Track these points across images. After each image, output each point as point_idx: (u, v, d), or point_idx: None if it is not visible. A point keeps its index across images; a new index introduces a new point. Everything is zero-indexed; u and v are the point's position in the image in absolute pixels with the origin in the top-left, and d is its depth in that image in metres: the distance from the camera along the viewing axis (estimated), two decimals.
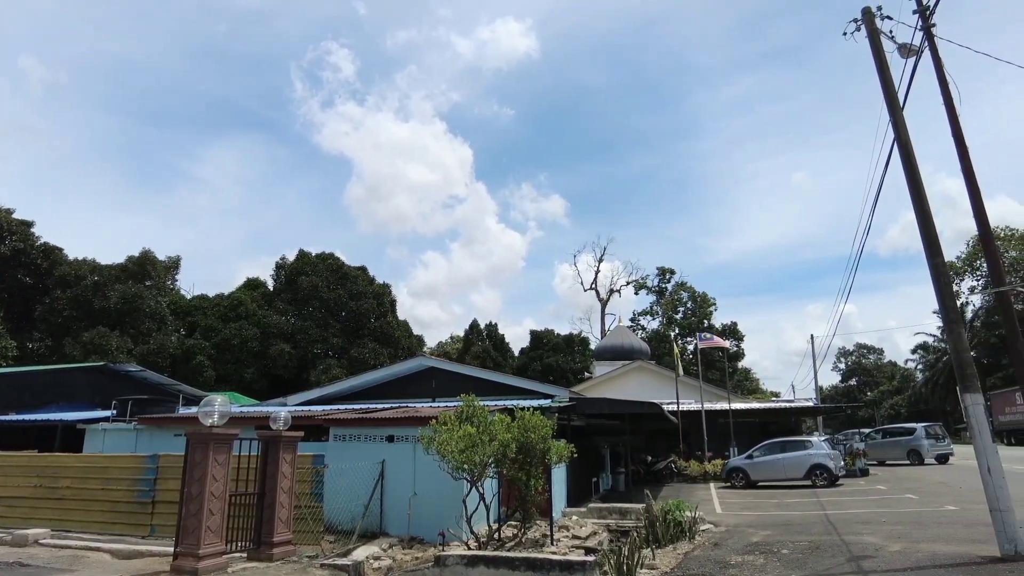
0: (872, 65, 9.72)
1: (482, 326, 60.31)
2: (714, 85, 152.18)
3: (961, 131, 7.75)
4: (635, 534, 11.87)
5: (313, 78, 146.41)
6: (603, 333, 63.57)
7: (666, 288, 71.85)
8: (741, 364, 68.71)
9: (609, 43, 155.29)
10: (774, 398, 43.92)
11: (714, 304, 66.31)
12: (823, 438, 22.10)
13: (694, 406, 27.35)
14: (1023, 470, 21.65)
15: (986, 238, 7.33)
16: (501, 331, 60.62)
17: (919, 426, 27.60)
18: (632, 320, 71.63)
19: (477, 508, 10.12)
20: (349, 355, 38.40)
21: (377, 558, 11.02)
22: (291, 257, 42.89)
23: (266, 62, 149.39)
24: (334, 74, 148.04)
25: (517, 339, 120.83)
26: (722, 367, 65.33)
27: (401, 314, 47.59)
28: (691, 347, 59.05)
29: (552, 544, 11.96)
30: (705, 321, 64.53)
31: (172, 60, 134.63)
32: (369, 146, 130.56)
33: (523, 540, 11.40)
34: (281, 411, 10.22)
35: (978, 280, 68.79)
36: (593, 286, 70.38)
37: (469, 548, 10.61)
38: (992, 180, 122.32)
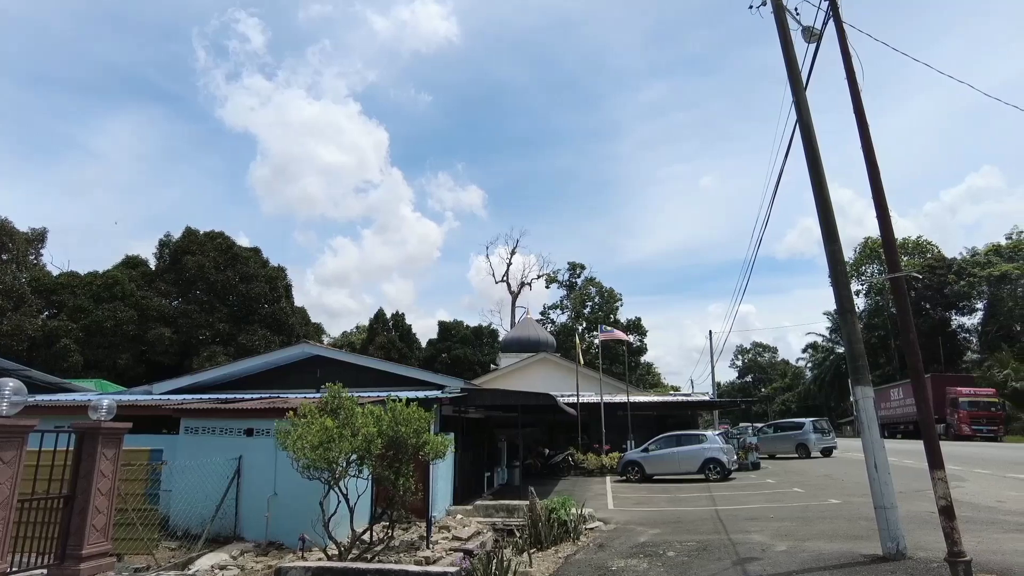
0: (781, 76, 9.22)
1: (388, 316, 58.52)
2: (631, 89, 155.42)
3: (862, 105, 7.29)
4: (517, 536, 11.05)
5: (218, 47, 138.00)
6: (513, 325, 63.16)
7: (576, 283, 72.43)
8: (644, 359, 70.23)
9: (531, 40, 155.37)
10: (674, 392, 44.89)
11: (620, 299, 67.43)
12: (717, 432, 22.24)
13: (595, 398, 27.09)
14: (896, 461, 22.64)
15: (883, 219, 6.88)
16: (409, 322, 59.07)
17: (807, 421, 28.55)
18: (542, 313, 71.78)
19: (336, 510, 8.92)
20: (237, 342, 35.83)
21: (223, 567, 9.62)
22: (177, 234, 39.63)
23: (165, 27, 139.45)
24: (241, 44, 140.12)
25: (429, 331, 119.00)
26: (627, 361, 66.82)
27: (307, 302, 45.69)
28: (597, 340, 59.54)
29: (428, 547, 10.93)
30: (611, 316, 65.39)
31: (59, 18, 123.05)
32: (277, 123, 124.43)
33: (391, 544, 10.31)
34: (104, 399, 8.62)
35: (863, 284, 73.47)
36: (505, 278, 69.90)
37: (327, 555, 9.42)
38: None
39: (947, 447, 31.90)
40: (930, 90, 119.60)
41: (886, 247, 7.26)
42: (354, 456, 8.73)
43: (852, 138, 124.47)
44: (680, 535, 10.46)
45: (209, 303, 37.13)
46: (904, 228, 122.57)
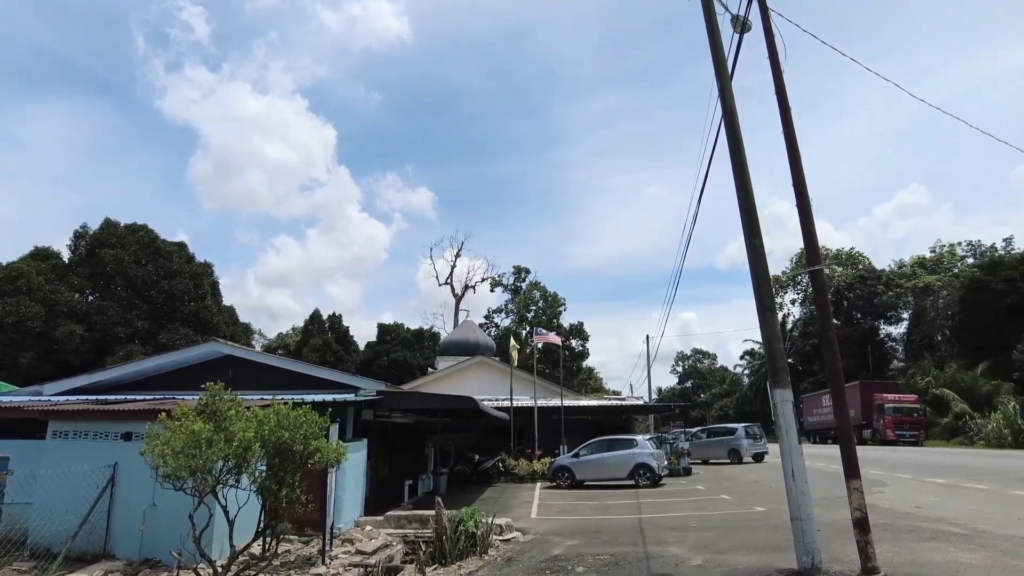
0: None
1: (325, 317, 56.68)
2: (581, 98, 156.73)
3: (784, 90, 6.84)
4: (421, 551, 10.23)
5: (158, 36, 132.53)
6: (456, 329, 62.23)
7: (521, 287, 72.02)
8: (586, 363, 70.36)
9: (484, 45, 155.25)
10: (613, 396, 44.89)
11: (564, 304, 67.29)
12: (648, 437, 21.90)
13: (531, 402, 26.52)
14: (824, 467, 22.78)
15: (803, 209, 6.42)
16: (354, 324, 57.64)
17: (739, 426, 28.63)
18: (486, 317, 71.13)
19: (209, 524, 7.94)
20: (157, 340, 33.76)
21: None
22: (95, 226, 37.13)
23: (101, 12, 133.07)
24: (184, 34, 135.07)
25: (372, 334, 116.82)
26: (569, 366, 66.62)
27: (248, 303, 43.54)
28: (540, 345, 59.22)
29: (325, 563, 10.02)
30: (555, 320, 65.19)
31: None
32: (220, 117, 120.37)
33: (286, 560, 9.37)
34: None
35: (799, 293, 75.50)
36: (449, 281, 68.85)
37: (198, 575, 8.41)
38: (814, 206, 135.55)
39: (873, 451, 32.78)
40: (865, 111, 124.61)
41: (806, 240, 6.82)
42: (230, 463, 7.77)
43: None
44: (596, 547, 9.85)
45: (128, 299, 34.93)
46: (839, 240, 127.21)
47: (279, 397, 13.87)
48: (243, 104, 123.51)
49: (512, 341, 26.97)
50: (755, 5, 8.66)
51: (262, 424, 8.19)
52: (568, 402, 26.48)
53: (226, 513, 8.21)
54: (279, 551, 10.72)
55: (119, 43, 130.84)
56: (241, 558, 9.65)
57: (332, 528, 11.22)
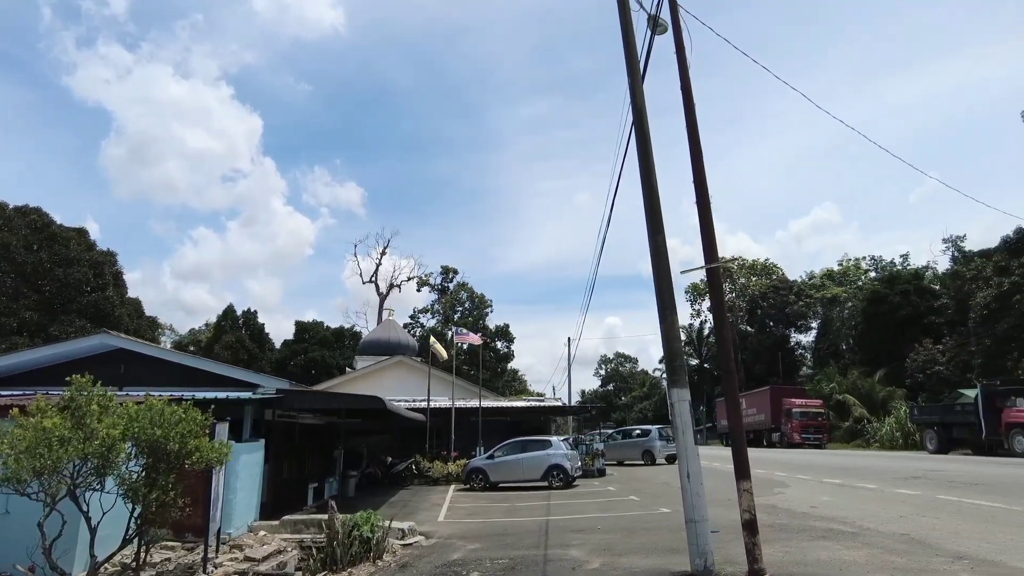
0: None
1: (240, 313, 54.36)
2: (514, 103, 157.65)
3: (690, 87, 6.79)
4: (312, 557, 9.69)
5: (67, 7, 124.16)
6: None
7: (448, 287, 71.38)
8: (512, 365, 70.46)
9: (419, 43, 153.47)
10: (537, 398, 44.99)
11: (491, 306, 67.14)
12: (562, 438, 21.90)
13: (452, 403, 26.16)
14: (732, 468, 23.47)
15: (703, 207, 6.37)
16: (275, 322, 55.63)
17: (654, 428, 29.15)
18: (412, 317, 70.01)
19: (61, 534, 7.17)
20: (48, 333, 31.28)
21: None
22: None
23: None
24: (97, 8, 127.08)
25: (291, 332, 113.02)
26: (494, 367, 66.50)
27: (161, 296, 40.90)
28: (464, 346, 58.85)
29: (207, 571, 9.31)
30: (481, 321, 64.94)
31: None
32: (137, 100, 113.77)
33: (150, 573, 8.62)
34: None
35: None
36: (373, 279, 67.45)
37: None
38: (735, 219, 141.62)
39: (780, 454, 34.09)
40: (785, 131, 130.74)
41: (704, 238, 6.77)
42: (92, 464, 7.04)
43: (714, 166, 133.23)
44: (497, 551, 9.58)
45: (15, 288, 32.22)
46: (757, 251, 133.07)
47: (171, 393, 12.99)
48: (163, 88, 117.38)
49: (432, 339, 26.46)
50: (668, 4, 8.65)
51: (133, 421, 7.49)
52: (487, 403, 26.23)
53: (87, 520, 7.47)
54: (158, 560, 9.95)
55: (20, 11, 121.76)
56: (111, 568, 8.88)
57: (220, 533, 10.52)
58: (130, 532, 7.78)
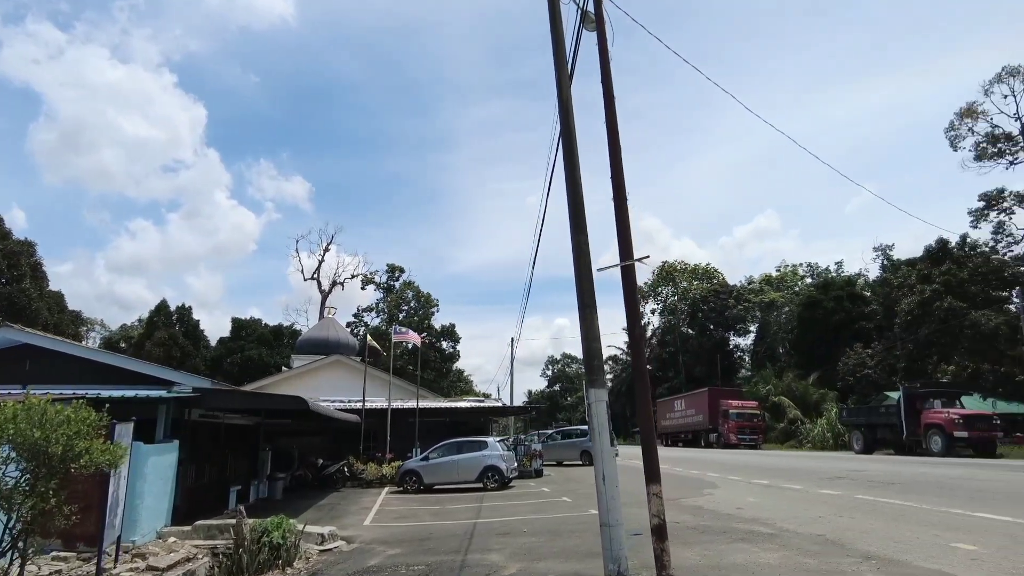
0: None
1: (173, 309, 52.24)
2: (468, 103, 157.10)
3: (610, 79, 6.65)
4: (219, 566, 9.17)
5: None
6: None
7: (394, 286, 70.40)
8: (459, 366, 70.00)
9: (373, 38, 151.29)
10: (476, 398, 44.62)
11: (437, 305, 66.49)
12: (499, 439, 21.69)
13: (395, 404, 25.67)
14: (668, 469, 23.71)
15: (620, 203, 6.22)
16: (204, 317, 53.45)
17: None
18: (355, 316, 68.76)
19: None
20: None
21: None
22: None
23: None
24: None
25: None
26: (439, 367, 65.87)
27: (95, 290, 38.51)
28: (409, 345, 58.11)
29: None
30: (426, 321, 64.27)
31: None
32: (69, 83, 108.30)
33: None
34: None
35: (659, 303, 79.53)
36: (316, 276, 65.90)
37: None
38: (682, 225, 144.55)
39: (715, 454, 34.74)
40: (730, 141, 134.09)
41: (620, 235, 6.63)
42: None
43: (664, 174, 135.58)
44: (416, 556, 9.27)
45: None
46: (701, 256, 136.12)
47: (76, 392, 12.24)
48: (98, 71, 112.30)
49: (369, 337, 25.85)
50: None
51: (8, 423, 6.87)
52: (425, 404, 25.79)
53: None
54: (46, 572, 9.27)
55: None
56: None
57: (120, 541, 9.85)
58: (4, 544, 7.14)
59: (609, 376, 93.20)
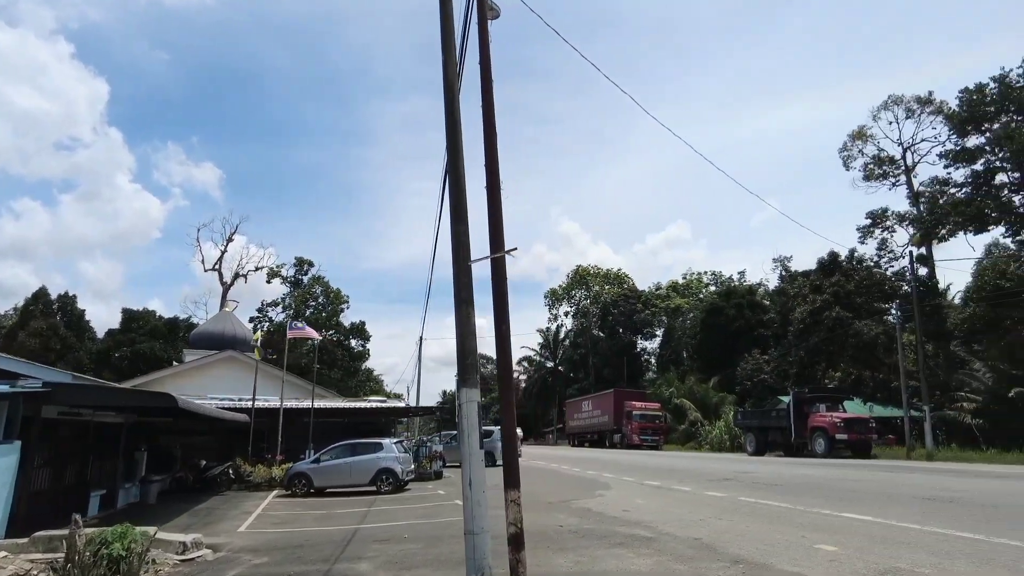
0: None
1: (55, 297, 48.21)
2: (391, 99, 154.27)
3: (489, 59, 6.30)
4: None
5: None
6: None
7: (303, 280, 67.92)
8: (367, 364, 68.32)
9: (296, 25, 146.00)
10: (381, 398, 43.54)
11: (346, 301, 64.58)
12: (395, 441, 21.03)
13: (292, 403, 24.51)
14: (567, 469, 23.79)
15: (492, 192, 5.89)
16: (95, 307, 49.72)
17: (496, 429, 28.97)
18: (259, 311, 65.79)
19: None
20: None
21: None
22: None
23: None
24: None
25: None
26: (347, 366, 64.01)
27: None
28: (310, 342, 56.21)
29: None
30: (335, 318, 62.37)
31: None
32: None
33: None
34: None
35: (572, 306, 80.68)
36: (217, 267, 62.55)
37: None
38: (599, 230, 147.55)
39: (617, 455, 35.31)
40: (647, 152, 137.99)
41: (492, 226, 6.31)
42: None
43: (583, 180, 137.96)
44: (283, 566, 8.63)
45: None
46: (616, 262, 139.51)
47: None
48: None
49: (257, 334, 24.55)
50: None
51: None
52: (321, 404, 24.75)
53: None
54: None
55: None
56: None
57: None
58: None
59: (522, 377, 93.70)
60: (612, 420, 48.01)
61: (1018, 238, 33.02)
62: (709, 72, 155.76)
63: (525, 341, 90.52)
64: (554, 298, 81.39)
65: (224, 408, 22.22)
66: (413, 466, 20.41)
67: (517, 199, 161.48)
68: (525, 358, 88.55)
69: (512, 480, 5.56)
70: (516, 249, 5.98)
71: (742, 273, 69.89)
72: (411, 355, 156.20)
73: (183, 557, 9.80)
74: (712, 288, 70.26)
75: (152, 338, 49.06)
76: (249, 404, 22.91)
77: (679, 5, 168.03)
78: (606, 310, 70.15)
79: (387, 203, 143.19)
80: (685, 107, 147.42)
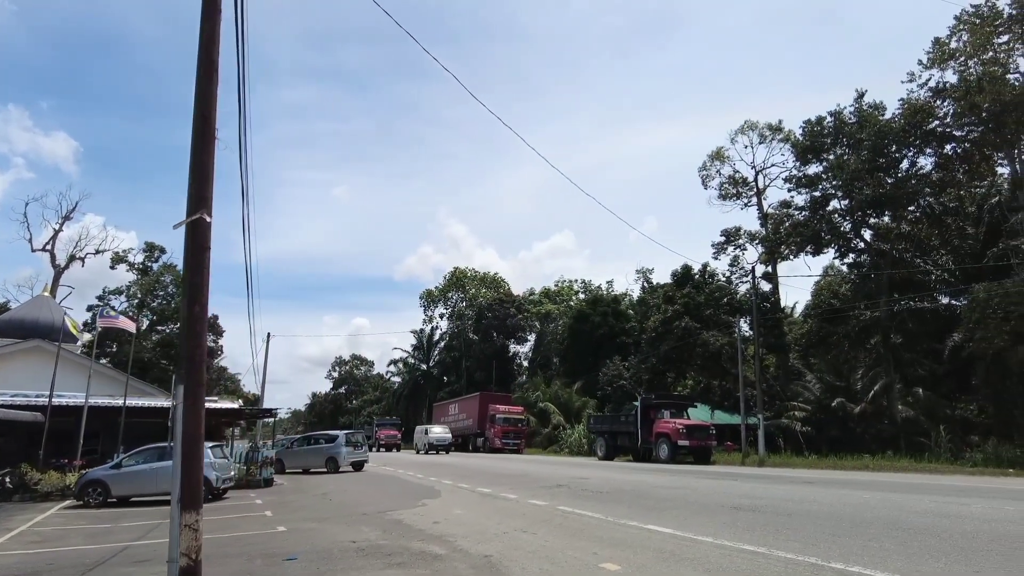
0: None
1: None
2: (276, 84, 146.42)
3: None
4: None
5: None
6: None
7: (152, 267, 62.51)
8: (220, 362, 63.86)
9: None
10: (224, 398, 40.52)
11: None
12: (212, 445, 19.20)
13: (102, 401, 21.83)
14: (422, 478, 22.90)
15: (203, 135, 4.95)
16: None
17: (341, 434, 27.62)
18: (100, 298, 59.74)
19: None
20: None
21: None
22: None
23: None
24: None
25: None
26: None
27: None
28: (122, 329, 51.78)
29: None
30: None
31: None
32: None
33: None
34: None
35: (448, 308, 79.93)
36: (49, 247, 56.06)
37: None
38: (488, 235, 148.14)
39: (472, 459, 34.81)
40: (538, 162, 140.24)
41: (197, 177, 5.36)
42: None
43: (475, 185, 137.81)
44: None
45: None
46: (501, 267, 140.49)
47: None
48: None
49: (65, 317, 21.78)
50: None
51: None
52: (137, 402, 22.30)
53: None
54: None
55: None
56: None
57: None
58: None
59: (396, 379, 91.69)
60: (476, 424, 47.71)
61: (845, 260, 36.07)
62: (597, 89, 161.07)
63: (398, 342, 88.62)
64: (430, 299, 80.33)
65: (14, 406, 19.45)
66: (233, 473, 18.71)
67: (401, 198, 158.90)
68: (398, 360, 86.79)
69: (191, 500, 4.65)
70: (209, 221, 5.08)
71: (610, 282, 72.31)
72: (287, 354, 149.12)
73: None
74: (581, 295, 72.04)
75: None
76: (57, 400, 20.22)
77: (572, 23, 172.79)
78: (481, 313, 70.01)
79: (265, 192, 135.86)
80: (574, 122, 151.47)
